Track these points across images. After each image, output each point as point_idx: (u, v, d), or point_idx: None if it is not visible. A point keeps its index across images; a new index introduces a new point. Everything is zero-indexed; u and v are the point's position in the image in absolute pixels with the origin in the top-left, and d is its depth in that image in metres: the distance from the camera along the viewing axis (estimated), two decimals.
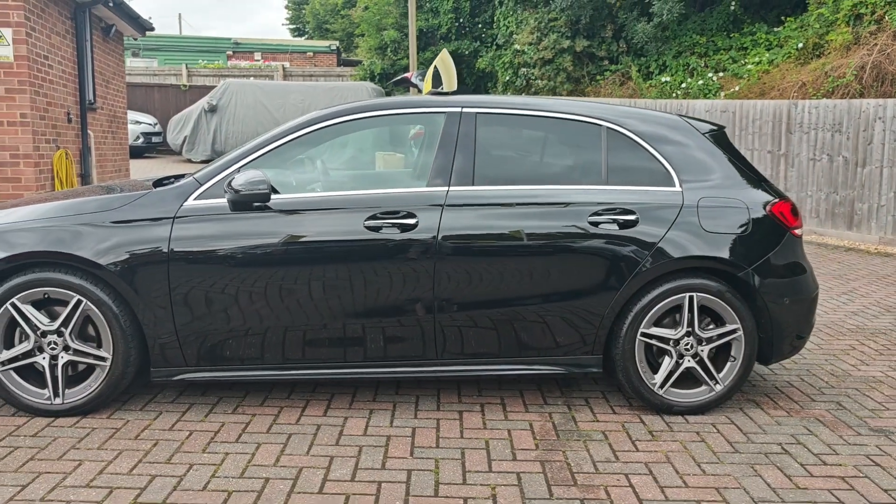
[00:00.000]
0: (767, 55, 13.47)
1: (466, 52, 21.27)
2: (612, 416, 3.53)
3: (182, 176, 3.84)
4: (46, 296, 3.31)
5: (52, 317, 3.34)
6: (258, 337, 3.38)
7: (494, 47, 20.26)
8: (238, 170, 3.42)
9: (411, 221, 3.37)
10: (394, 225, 3.37)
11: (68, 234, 3.29)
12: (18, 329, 3.36)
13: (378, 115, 3.63)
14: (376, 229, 3.36)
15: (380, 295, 3.38)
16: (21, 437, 3.16)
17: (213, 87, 19.95)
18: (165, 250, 3.29)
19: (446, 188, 3.45)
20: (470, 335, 3.46)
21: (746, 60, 13.82)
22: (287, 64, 24.95)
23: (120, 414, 3.43)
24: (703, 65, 14.65)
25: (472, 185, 3.48)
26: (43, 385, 3.38)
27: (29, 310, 3.30)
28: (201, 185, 3.42)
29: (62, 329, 3.32)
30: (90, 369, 3.41)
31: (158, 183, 3.73)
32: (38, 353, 3.35)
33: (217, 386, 3.77)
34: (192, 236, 3.32)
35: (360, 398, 3.68)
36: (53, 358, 3.35)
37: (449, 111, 3.60)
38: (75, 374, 3.43)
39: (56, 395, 3.36)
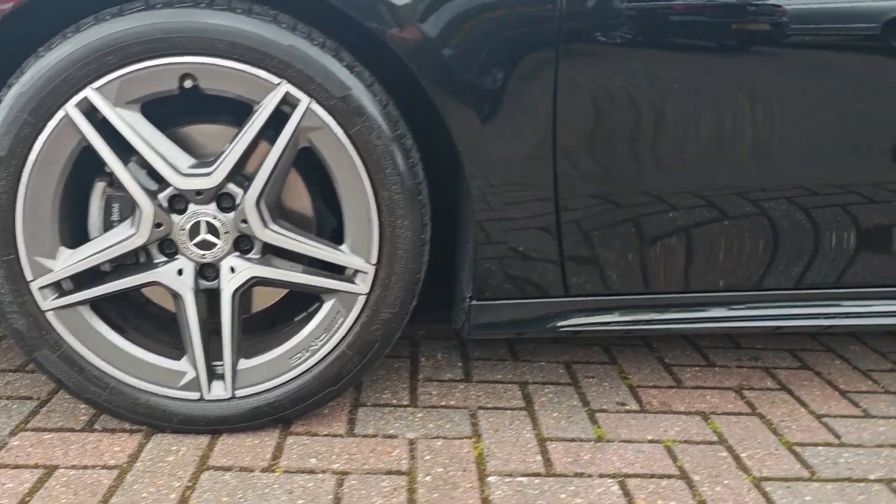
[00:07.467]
0: None
1: None
2: None
3: None
4: (193, 84, 1.09)
5: (198, 157, 1.15)
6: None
7: None
8: None
9: None
10: None
11: None
12: (103, 196, 1.16)
13: None
14: None
15: None
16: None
17: None
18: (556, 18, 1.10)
19: None
20: None
21: None
22: None
23: (369, 424, 1.30)
24: None
25: None
26: (168, 345, 1.22)
27: (132, 121, 1.09)
28: None
29: (231, 186, 1.13)
30: (301, 304, 1.26)
31: None
32: (160, 258, 1.17)
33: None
34: None
35: None
36: (206, 273, 1.17)
37: None
38: (252, 318, 1.27)
39: (212, 373, 1.19)
